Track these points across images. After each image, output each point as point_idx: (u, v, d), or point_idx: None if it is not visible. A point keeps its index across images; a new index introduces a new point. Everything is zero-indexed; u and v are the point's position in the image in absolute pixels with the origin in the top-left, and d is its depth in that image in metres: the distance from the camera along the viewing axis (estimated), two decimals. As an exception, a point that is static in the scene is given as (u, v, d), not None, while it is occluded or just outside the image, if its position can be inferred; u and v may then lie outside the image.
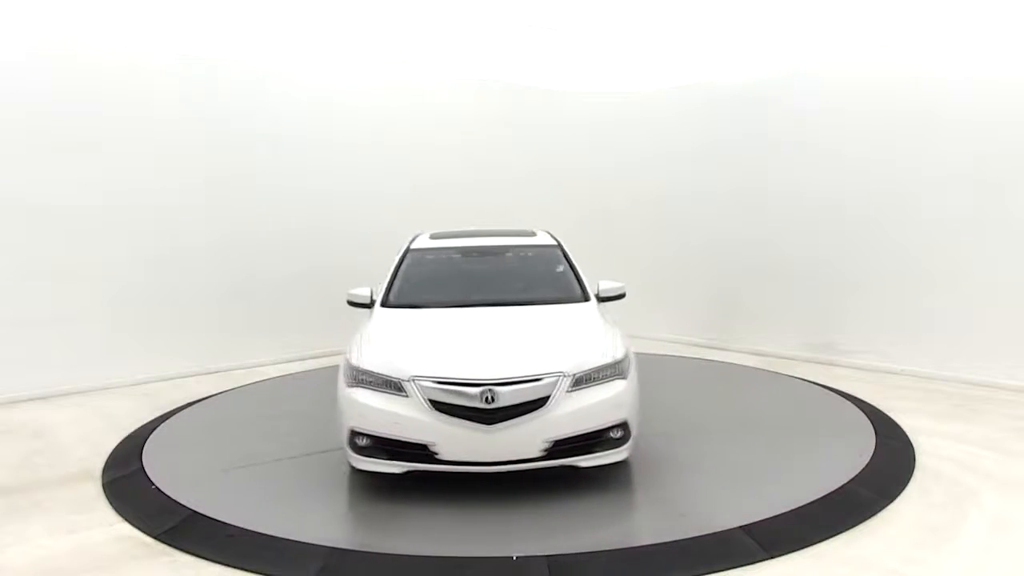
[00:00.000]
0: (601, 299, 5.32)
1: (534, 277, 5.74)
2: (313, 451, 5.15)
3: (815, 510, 4.01)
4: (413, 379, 4.15)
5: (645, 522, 3.98)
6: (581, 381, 4.20)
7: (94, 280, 7.01)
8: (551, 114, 9.97)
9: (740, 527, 3.78)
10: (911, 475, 4.53)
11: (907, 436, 5.27)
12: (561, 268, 5.62)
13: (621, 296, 5.40)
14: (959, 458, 4.82)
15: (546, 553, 3.57)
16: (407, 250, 5.96)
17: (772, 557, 3.51)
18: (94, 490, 4.54)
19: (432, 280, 5.72)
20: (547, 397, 4.09)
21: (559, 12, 9.92)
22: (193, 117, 7.52)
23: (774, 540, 3.65)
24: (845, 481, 4.37)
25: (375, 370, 4.29)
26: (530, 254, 5.96)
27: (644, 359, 7.85)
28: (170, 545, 3.77)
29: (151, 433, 5.61)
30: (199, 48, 7.56)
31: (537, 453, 4.10)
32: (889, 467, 4.67)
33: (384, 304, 5.35)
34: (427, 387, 4.10)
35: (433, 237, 6.18)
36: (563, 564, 3.48)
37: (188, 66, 7.47)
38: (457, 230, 6.45)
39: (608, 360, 4.33)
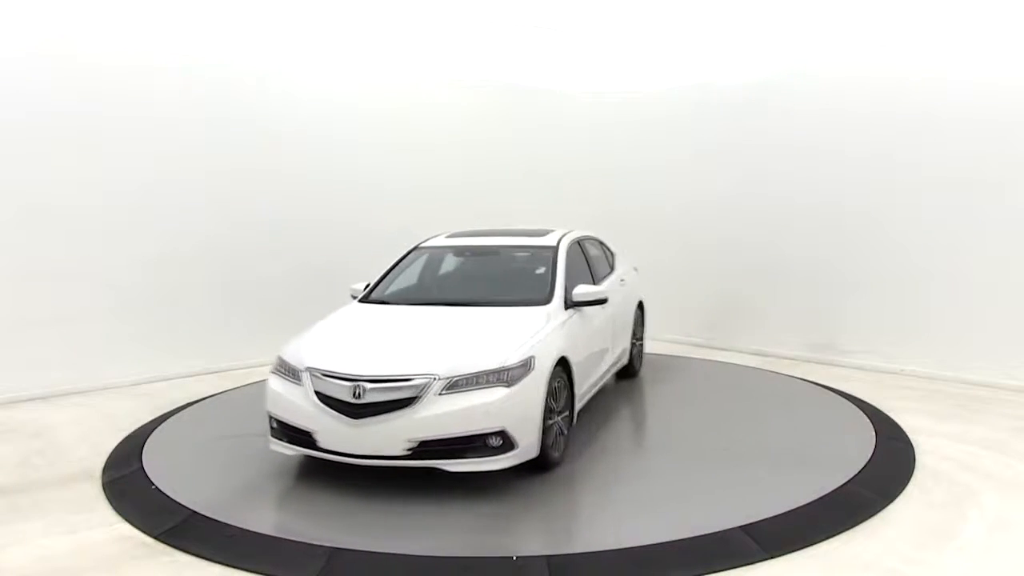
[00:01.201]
0: (574, 304, 5.24)
1: (510, 278, 5.84)
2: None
3: (815, 510, 4.01)
4: (307, 369, 4.44)
5: (647, 521, 3.98)
6: (457, 385, 4.18)
7: (94, 280, 7.00)
8: (551, 114, 9.96)
9: (740, 527, 3.78)
10: (911, 475, 4.53)
11: (907, 436, 5.28)
12: (541, 270, 5.57)
13: (600, 302, 5.32)
14: (959, 458, 4.82)
15: (546, 553, 3.57)
16: (413, 247, 6.20)
17: (772, 557, 3.50)
18: (94, 490, 4.54)
19: (416, 278, 5.98)
20: (415, 397, 4.14)
21: (560, 12, 9.92)
22: (193, 117, 7.51)
23: (774, 540, 3.65)
24: (845, 481, 4.37)
25: (286, 359, 4.66)
26: (520, 255, 5.98)
27: (644, 359, 7.90)
28: (170, 545, 3.77)
29: (151, 433, 5.61)
30: (199, 48, 7.56)
31: (401, 452, 4.17)
32: (889, 467, 4.67)
33: (364, 298, 5.62)
34: (315, 378, 4.37)
35: (449, 236, 6.34)
36: (563, 564, 3.48)
37: (188, 66, 7.46)
38: (477, 229, 6.57)
39: (492, 366, 4.25)
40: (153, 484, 4.56)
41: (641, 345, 7.34)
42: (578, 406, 5.20)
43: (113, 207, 7.09)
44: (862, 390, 6.55)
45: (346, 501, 4.32)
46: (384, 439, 4.17)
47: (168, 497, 4.34)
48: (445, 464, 4.21)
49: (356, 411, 4.19)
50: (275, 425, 4.62)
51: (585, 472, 4.67)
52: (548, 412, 4.49)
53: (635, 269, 7.40)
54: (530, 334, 4.61)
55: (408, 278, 5.98)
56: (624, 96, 9.79)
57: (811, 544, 3.62)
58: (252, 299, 7.90)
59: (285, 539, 3.79)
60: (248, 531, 3.89)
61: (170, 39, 7.39)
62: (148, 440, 5.43)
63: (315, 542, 3.72)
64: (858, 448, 4.97)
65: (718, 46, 8.90)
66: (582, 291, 5.27)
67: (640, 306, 7.24)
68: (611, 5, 9.76)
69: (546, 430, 4.46)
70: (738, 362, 7.91)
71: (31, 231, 6.67)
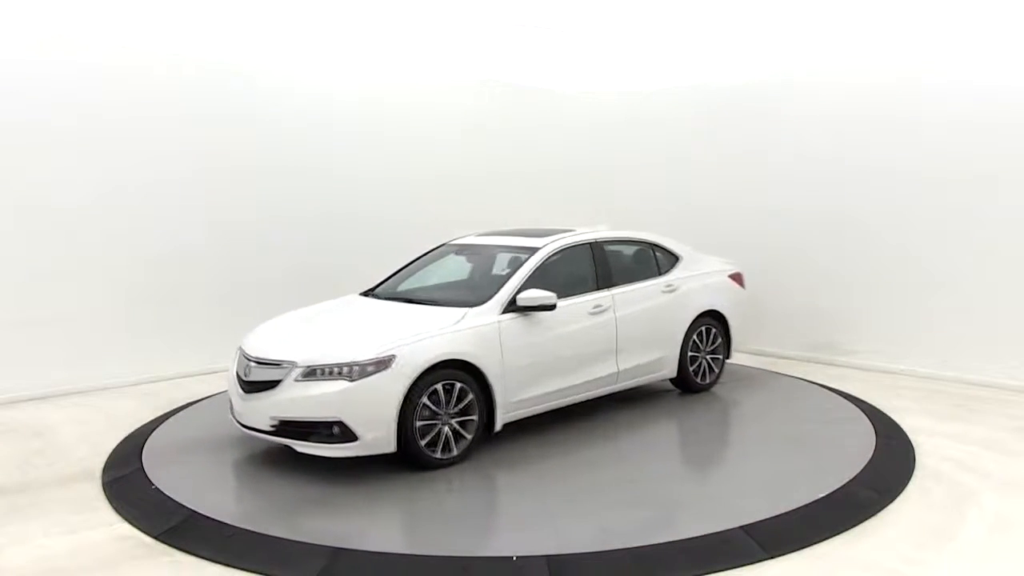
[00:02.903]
0: (520, 308, 5.15)
1: (473, 278, 5.98)
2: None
3: (815, 510, 4.02)
4: (239, 348, 5.12)
5: (646, 521, 3.98)
6: (313, 373, 4.57)
7: (94, 280, 7.00)
8: (550, 114, 9.96)
9: (740, 527, 3.78)
10: (911, 475, 4.53)
11: (907, 436, 5.28)
12: (505, 272, 5.53)
13: (548, 307, 5.16)
14: (959, 458, 4.83)
15: (546, 553, 3.57)
16: (441, 244, 6.39)
17: (772, 557, 3.51)
18: (94, 490, 4.54)
19: (413, 274, 6.14)
20: (280, 380, 4.63)
21: (560, 12, 9.92)
22: (193, 117, 7.50)
23: (774, 540, 3.65)
24: (845, 481, 4.37)
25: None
26: (504, 256, 5.92)
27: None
28: (170, 545, 3.77)
29: (151, 433, 5.61)
30: (199, 48, 7.55)
31: (267, 427, 4.70)
32: (889, 467, 4.67)
33: (366, 291, 6.00)
34: (239, 357, 5.05)
35: (479, 235, 6.38)
36: (563, 564, 3.48)
37: (187, 65, 7.45)
38: (509, 228, 6.50)
39: (342, 360, 4.55)
40: (153, 484, 4.56)
41: (716, 360, 6.66)
42: (512, 412, 5.12)
43: (113, 207, 7.08)
44: (862, 390, 6.55)
45: (347, 501, 4.32)
46: (256, 414, 4.74)
47: (168, 497, 4.34)
48: (295, 444, 4.63)
49: (246, 387, 4.83)
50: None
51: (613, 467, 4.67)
52: (432, 413, 4.67)
53: (731, 277, 6.90)
54: (412, 334, 4.73)
55: (409, 274, 6.13)
56: (623, 96, 9.79)
57: (811, 544, 3.62)
58: (252, 299, 7.87)
59: (285, 539, 3.78)
60: (248, 531, 3.89)
61: (170, 39, 7.38)
62: (148, 440, 5.43)
63: (315, 542, 3.73)
64: (858, 448, 4.97)
65: (717, 47, 8.90)
66: (527, 296, 5.14)
67: (713, 315, 6.56)
68: (610, 5, 9.76)
69: (420, 430, 4.61)
70: (738, 362, 7.90)
71: (31, 231, 6.66)
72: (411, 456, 4.64)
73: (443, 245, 6.40)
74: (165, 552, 3.71)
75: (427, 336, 4.75)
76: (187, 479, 4.65)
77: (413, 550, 3.66)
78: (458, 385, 4.78)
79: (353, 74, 8.63)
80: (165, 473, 4.73)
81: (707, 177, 8.90)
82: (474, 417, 4.87)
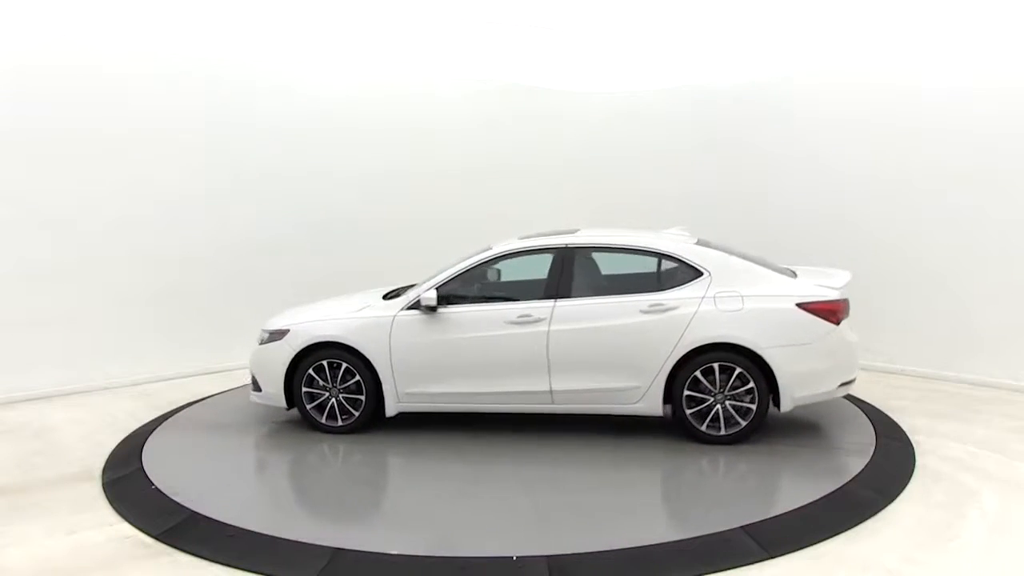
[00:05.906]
0: (419, 307, 5.27)
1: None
2: (313, 451, 5.17)
3: (815, 510, 4.02)
4: None
5: (646, 521, 3.98)
6: (261, 338, 5.71)
7: (94, 280, 7.00)
8: (550, 113, 9.96)
9: (740, 527, 3.78)
10: (911, 475, 4.54)
11: (907, 436, 5.28)
12: (453, 274, 5.50)
13: (430, 308, 5.23)
14: (959, 458, 4.83)
15: (546, 553, 3.57)
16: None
17: (772, 557, 3.51)
18: (94, 490, 4.55)
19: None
20: None
21: (560, 12, 9.92)
22: (194, 117, 7.51)
23: (774, 540, 3.65)
24: (845, 481, 4.38)
25: None
26: (477, 256, 5.78)
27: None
28: (170, 545, 3.77)
29: (151, 433, 5.61)
30: (200, 50, 7.55)
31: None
32: (889, 467, 4.67)
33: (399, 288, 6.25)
34: None
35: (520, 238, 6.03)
36: (563, 564, 3.48)
37: (189, 68, 7.45)
38: (547, 230, 6.21)
39: (264, 328, 5.72)
40: (153, 484, 4.56)
41: (747, 409, 5.04)
42: (407, 403, 5.39)
43: (113, 207, 7.08)
44: (862, 390, 6.54)
45: (347, 501, 4.32)
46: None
47: (168, 497, 4.34)
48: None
49: None
50: None
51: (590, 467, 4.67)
52: (322, 386, 5.42)
53: (803, 306, 5.02)
54: (317, 315, 5.59)
55: (435, 273, 6.02)
56: (623, 96, 9.79)
57: (811, 544, 3.63)
58: (252, 299, 7.89)
59: (285, 539, 3.78)
60: (248, 531, 3.89)
61: (170, 41, 7.38)
62: (148, 440, 5.43)
63: (315, 542, 3.73)
64: (858, 448, 4.97)
65: (717, 46, 8.91)
66: (425, 296, 5.26)
67: (738, 350, 4.97)
68: (611, 5, 9.76)
69: (310, 396, 5.43)
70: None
71: (31, 231, 6.66)
72: (302, 415, 5.50)
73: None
74: (165, 552, 3.71)
75: (324, 319, 5.52)
76: (187, 479, 4.65)
77: (412, 550, 3.65)
78: (344, 365, 5.37)
79: (351, 76, 8.62)
80: (165, 473, 4.73)
81: (705, 176, 8.89)
82: (361, 397, 5.39)
